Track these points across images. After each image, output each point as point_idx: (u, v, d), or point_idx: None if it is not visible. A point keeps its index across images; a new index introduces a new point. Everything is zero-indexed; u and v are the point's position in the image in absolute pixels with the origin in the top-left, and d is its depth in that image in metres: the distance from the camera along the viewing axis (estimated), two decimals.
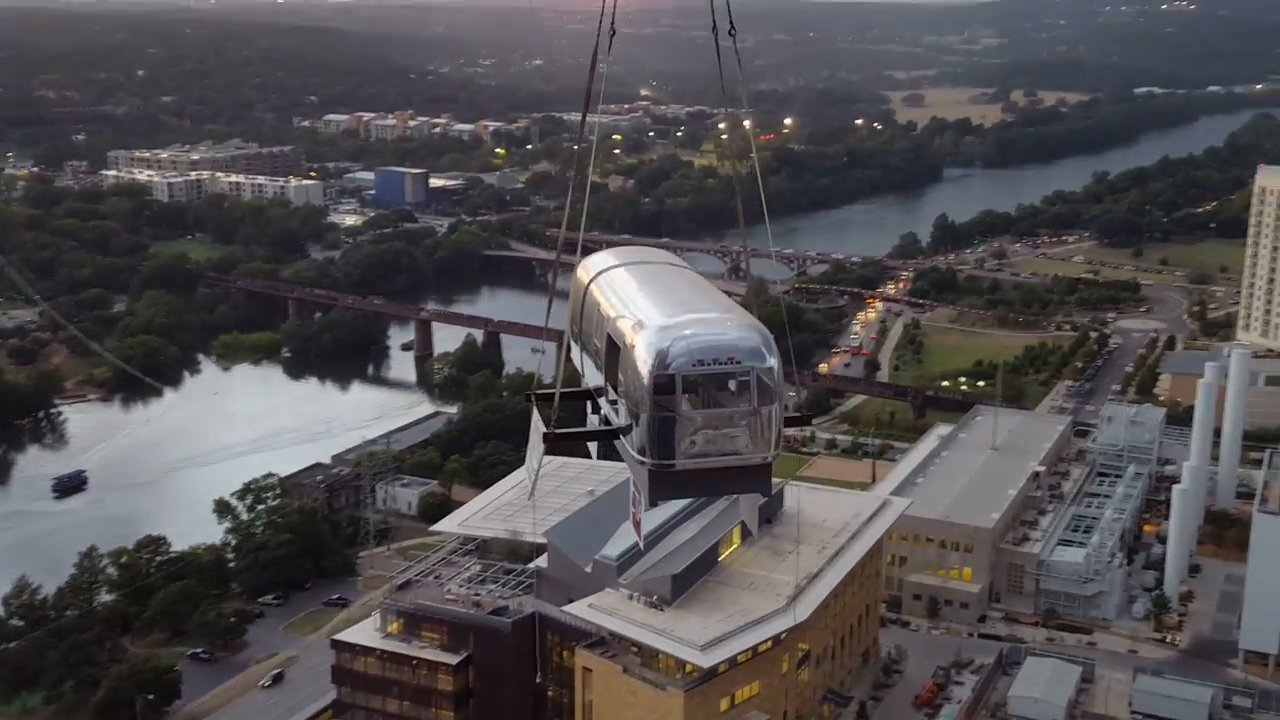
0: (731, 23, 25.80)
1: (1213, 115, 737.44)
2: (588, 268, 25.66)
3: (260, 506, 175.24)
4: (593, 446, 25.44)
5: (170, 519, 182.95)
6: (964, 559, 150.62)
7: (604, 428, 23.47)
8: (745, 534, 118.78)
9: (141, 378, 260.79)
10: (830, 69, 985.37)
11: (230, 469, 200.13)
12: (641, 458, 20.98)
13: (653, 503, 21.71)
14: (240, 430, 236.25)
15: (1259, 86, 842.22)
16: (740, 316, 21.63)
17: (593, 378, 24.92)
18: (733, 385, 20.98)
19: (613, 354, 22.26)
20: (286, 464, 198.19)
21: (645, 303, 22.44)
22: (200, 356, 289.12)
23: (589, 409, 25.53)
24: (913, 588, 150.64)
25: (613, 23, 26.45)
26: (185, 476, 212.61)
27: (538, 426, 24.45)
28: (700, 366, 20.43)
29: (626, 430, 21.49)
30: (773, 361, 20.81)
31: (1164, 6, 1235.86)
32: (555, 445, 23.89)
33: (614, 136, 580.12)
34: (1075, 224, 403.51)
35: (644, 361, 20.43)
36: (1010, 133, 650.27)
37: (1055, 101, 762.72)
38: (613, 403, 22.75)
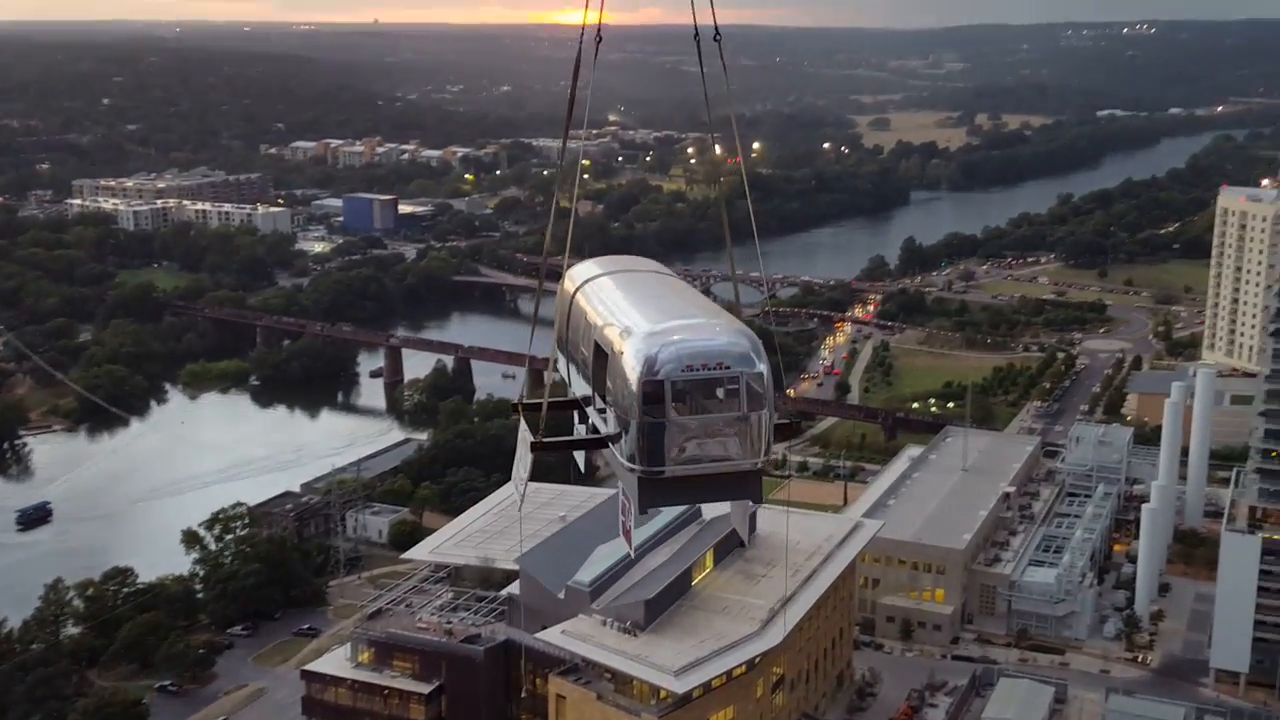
0: (716, 29, 25.53)
1: (1174, 137, 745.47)
2: (573, 277, 25.68)
3: (229, 536, 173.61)
4: (580, 458, 25.52)
5: (137, 550, 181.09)
6: (936, 580, 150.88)
7: (592, 436, 23.28)
8: (721, 557, 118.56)
9: (107, 408, 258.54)
10: (797, 94, 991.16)
11: (198, 499, 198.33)
12: (631, 465, 20.80)
13: (643, 510, 21.49)
14: (208, 459, 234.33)
15: (1219, 109, 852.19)
16: (729, 322, 21.52)
17: (580, 388, 24.72)
18: (722, 391, 20.76)
19: (600, 362, 22.11)
20: (255, 493, 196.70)
21: (632, 310, 22.32)
22: (167, 386, 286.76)
23: (576, 419, 25.29)
24: (886, 610, 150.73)
25: (598, 29, 25.90)
26: (153, 507, 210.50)
27: (525, 436, 24.34)
28: (690, 372, 20.33)
29: (615, 438, 21.32)
30: (762, 367, 20.72)
31: (1125, 31, 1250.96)
32: (544, 453, 23.74)
33: (583, 161, 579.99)
34: (1041, 246, 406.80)
35: (633, 368, 20.32)
36: (976, 156, 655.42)
37: (1019, 125, 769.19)
38: (601, 411, 22.56)
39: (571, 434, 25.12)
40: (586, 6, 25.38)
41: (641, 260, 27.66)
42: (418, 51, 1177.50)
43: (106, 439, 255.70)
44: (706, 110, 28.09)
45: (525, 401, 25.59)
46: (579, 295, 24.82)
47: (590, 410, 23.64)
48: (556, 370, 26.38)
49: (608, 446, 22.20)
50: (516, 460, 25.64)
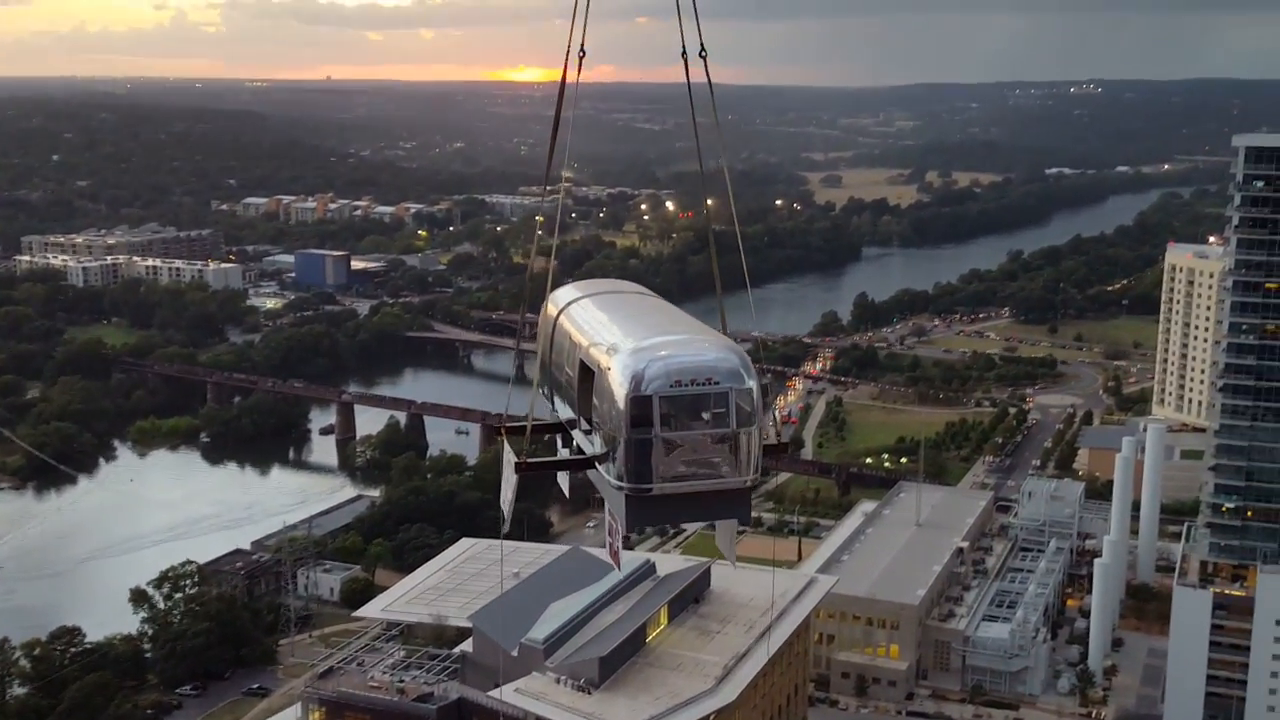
0: (702, 45, 25.36)
1: (1122, 195, 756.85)
2: (555, 300, 25.38)
3: (178, 595, 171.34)
4: (564, 481, 25.16)
5: (85, 609, 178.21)
6: (891, 636, 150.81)
7: (577, 456, 22.96)
8: (675, 613, 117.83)
9: (55, 465, 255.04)
10: (749, 151, 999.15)
11: (147, 557, 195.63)
12: (618, 482, 20.47)
13: (630, 530, 21.21)
14: (158, 517, 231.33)
15: (1166, 167, 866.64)
16: (717, 338, 21.26)
17: (564, 411, 24.34)
18: (710, 408, 20.42)
19: (586, 381, 21.80)
20: (205, 551, 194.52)
21: (618, 328, 22.05)
22: (116, 443, 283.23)
23: (559, 443, 25.06)
24: (841, 666, 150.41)
25: (582, 44, 25.74)
26: (100, 566, 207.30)
27: (509, 459, 23.89)
28: (678, 388, 20.05)
29: (602, 458, 20.96)
30: (751, 383, 20.51)
31: (1071, 90, 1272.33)
32: (528, 474, 23.45)
33: (537, 218, 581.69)
34: (992, 301, 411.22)
35: (620, 384, 20.04)
36: (926, 212, 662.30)
37: (969, 182, 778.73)
38: (587, 432, 22.23)
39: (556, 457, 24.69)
40: (571, 30, 25.47)
41: (624, 282, 27.33)
42: (371, 108, 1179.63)
43: (54, 497, 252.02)
44: (694, 129, 28.60)
45: (509, 425, 25.05)
46: (563, 317, 24.48)
47: (576, 433, 23.33)
48: (541, 392, 25.99)
49: (594, 467, 21.84)
50: (503, 483, 25.11)
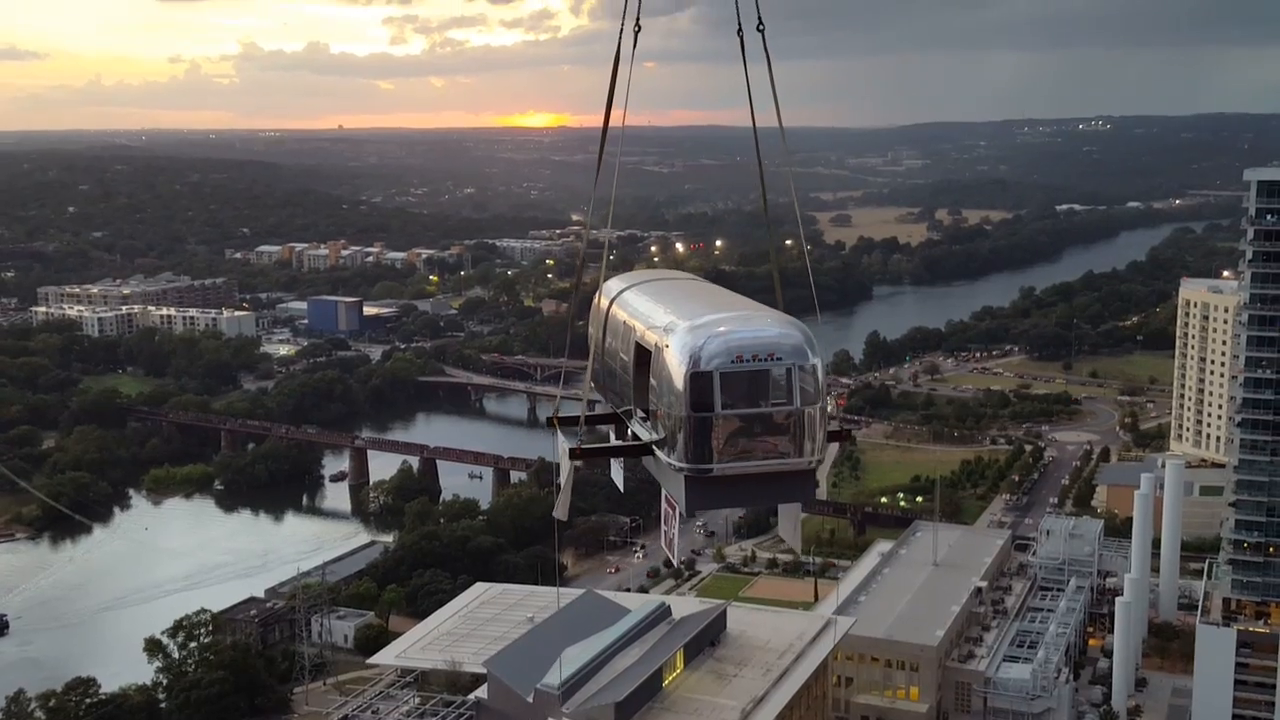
0: (760, 18, 24.15)
1: (1133, 230, 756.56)
2: (607, 291, 24.70)
3: (192, 644, 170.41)
4: (618, 475, 24.36)
5: (100, 660, 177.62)
6: (910, 678, 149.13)
7: (633, 443, 22.19)
8: (691, 657, 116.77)
9: (71, 515, 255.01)
10: (757, 192, 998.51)
11: (162, 606, 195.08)
12: (677, 463, 19.75)
13: (690, 513, 20.37)
14: (172, 566, 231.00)
15: (1177, 202, 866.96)
16: (778, 315, 20.55)
17: (618, 403, 23.74)
18: (773, 385, 19.73)
19: (642, 363, 21.09)
20: (220, 599, 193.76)
21: (675, 308, 21.29)
22: (131, 492, 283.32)
23: (613, 436, 24.50)
24: (859, 709, 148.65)
25: (638, 19, 24.35)
26: (115, 616, 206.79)
27: (563, 448, 23.25)
28: (739, 364, 19.31)
29: (659, 442, 20.28)
30: (815, 361, 19.77)
31: (1080, 127, 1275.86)
32: (583, 461, 22.85)
33: (547, 261, 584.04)
34: (1005, 339, 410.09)
35: (679, 361, 19.37)
36: (937, 250, 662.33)
37: (979, 220, 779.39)
38: (644, 419, 21.51)
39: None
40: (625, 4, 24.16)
41: (673, 271, 26.59)
42: (381, 156, 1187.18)
43: (69, 546, 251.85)
44: (753, 125, 27.18)
45: (561, 416, 24.28)
46: (616, 304, 23.79)
47: (632, 423, 22.57)
48: (593, 386, 25.22)
49: (650, 454, 21.15)
50: (557, 473, 24.38)
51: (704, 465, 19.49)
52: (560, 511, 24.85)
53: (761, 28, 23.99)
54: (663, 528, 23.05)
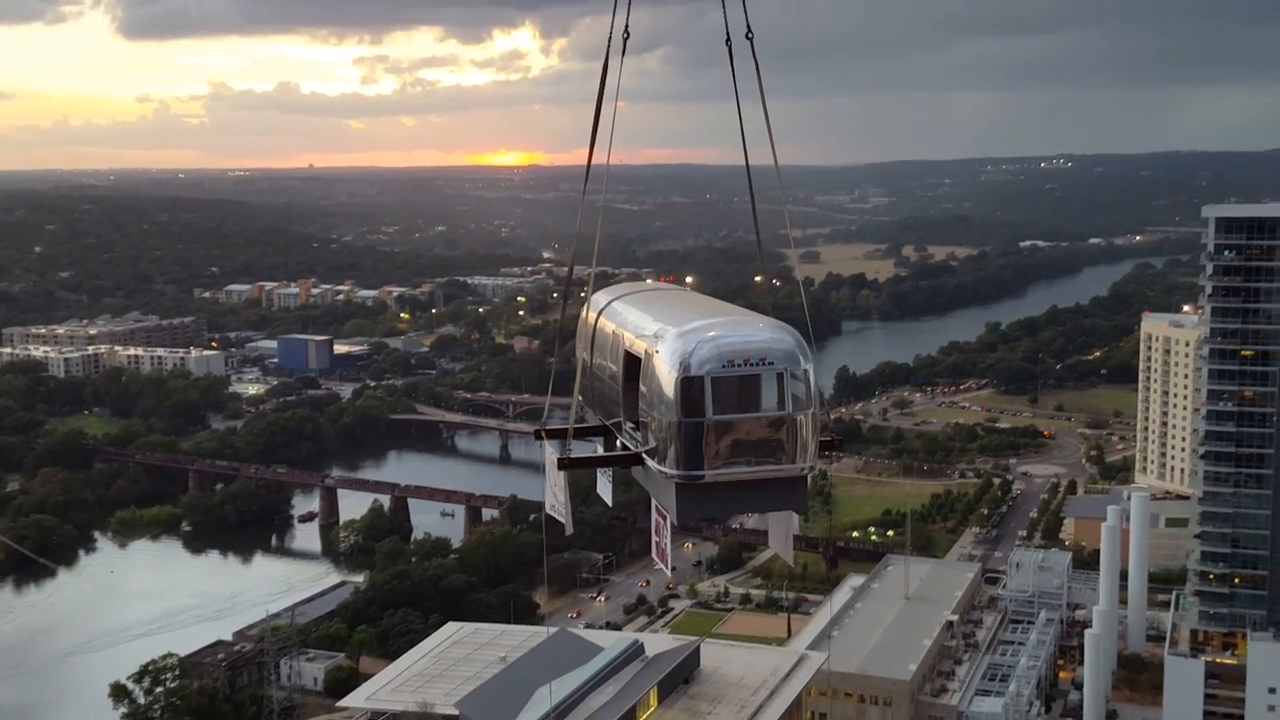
0: (749, 26, 23.73)
1: (1095, 266, 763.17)
2: (594, 304, 24.57)
3: (159, 689, 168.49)
4: (605, 489, 24.20)
5: (65, 706, 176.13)
6: (883, 713, 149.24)
7: (620, 452, 21.96)
8: (665, 695, 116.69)
9: (35, 558, 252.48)
10: (729, 229, 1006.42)
11: (128, 651, 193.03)
12: (668, 470, 19.48)
13: (681, 522, 20.04)
14: (138, 609, 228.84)
15: (1138, 238, 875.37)
16: (769, 320, 20.30)
17: (606, 417, 23.48)
18: (765, 390, 19.40)
19: (631, 373, 20.87)
20: (187, 643, 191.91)
21: (665, 315, 21.09)
22: (97, 534, 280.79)
23: (601, 449, 24.31)
24: None
25: (626, 26, 24.01)
26: (81, 661, 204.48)
27: (552, 459, 23.02)
28: (731, 368, 19.09)
29: (649, 451, 20.04)
30: (808, 366, 19.65)
31: (1043, 165, 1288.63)
32: (570, 470, 22.62)
33: (519, 298, 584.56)
34: (972, 373, 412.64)
35: (669, 366, 19.15)
36: (904, 286, 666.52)
37: (945, 256, 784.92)
38: (633, 430, 21.26)
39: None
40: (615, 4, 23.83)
41: (661, 282, 26.71)
42: (352, 194, 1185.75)
43: (33, 591, 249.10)
44: (750, 117, 25.59)
45: (548, 428, 23.91)
46: (604, 316, 23.61)
47: (622, 435, 22.34)
48: (580, 400, 24.90)
49: (639, 464, 20.94)
50: (548, 487, 24.10)
51: (695, 472, 19.30)
52: (564, 518, 24.61)
53: (750, 35, 23.69)
54: (654, 539, 22.70)
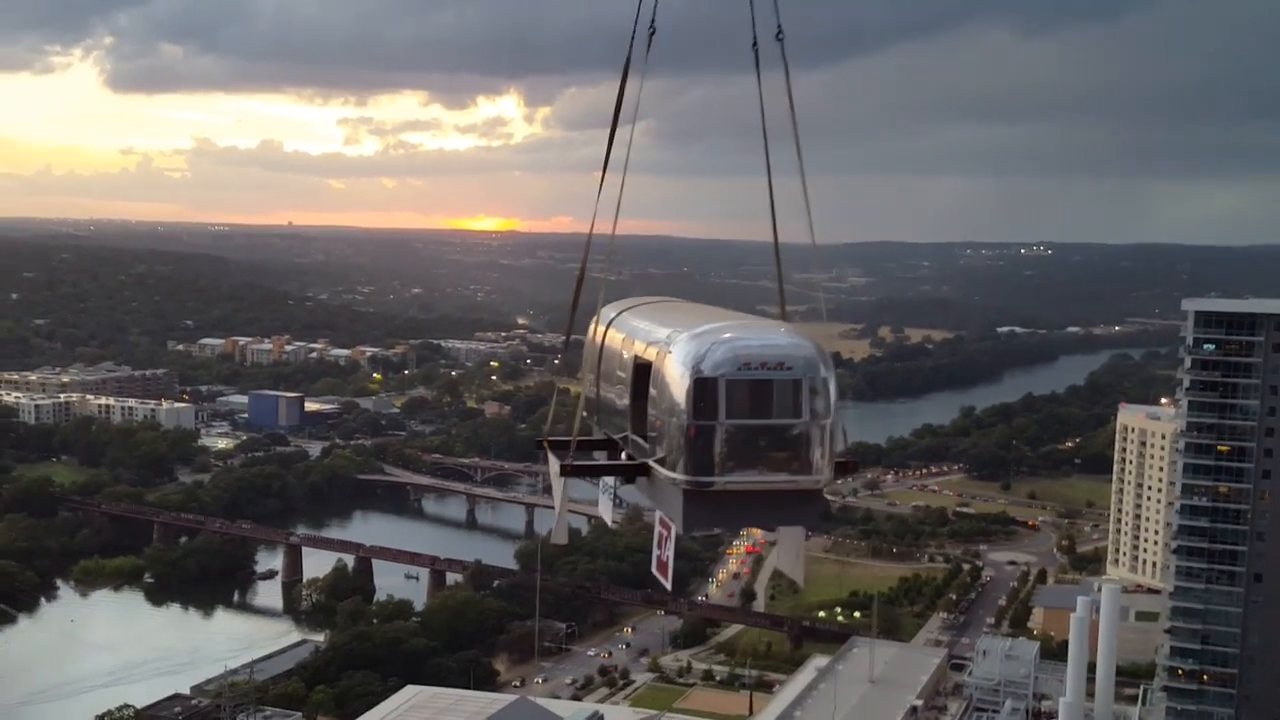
0: (779, 25, 22.71)
1: (1072, 355, 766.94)
2: (602, 317, 23.87)
3: None
4: (606, 508, 23.57)
5: None
6: None
7: (626, 462, 21.08)
8: None
9: None
10: (705, 303, 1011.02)
11: (84, 701, 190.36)
12: (676, 476, 18.66)
13: (687, 531, 19.28)
14: (97, 660, 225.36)
15: (1116, 328, 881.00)
16: (788, 326, 19.74)
17: (612, 431, 22.53)
18: (782, 397, 18.56)
19: (641, 380, 20.11)
20: (144, 696, 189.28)
21: (678, 321, 20.37)
22: (59, 582, 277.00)
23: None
24: None
25: (652, 21, 23.02)
26: (37, 710, 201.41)
27: (555, 468, 22.23)
28: (746, 371, 18.31)
29: (657, 460, 19.23)
30: (829, 375, 18.88)
31: (1022, 251, 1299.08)
32: (574, 477, 21.78)
33: (491, 363, 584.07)
34: (945, 457, 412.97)
35: (681, 368, 18.43)
36: (879, 367, 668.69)
37: (922, 338, 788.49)
38: (642, 440, 20.37)
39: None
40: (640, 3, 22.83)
41: (671, 298, 25.87)
42: (330, 253, 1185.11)
43: None
44: (764, 139, 24.63)
45: (552, 439, 23.08)
46: (613, 327, 22.98)
47: (628, 448, 21.51)
48: (583, 416, 23.90)
49: (645, 474, 20.12)
50: (554, 494, 23.48)
51: (705, 479, 18.51)
52: (559, 536, 23.80)
53: (781, 36, 22.66)
54: (655, 552, 21.84)
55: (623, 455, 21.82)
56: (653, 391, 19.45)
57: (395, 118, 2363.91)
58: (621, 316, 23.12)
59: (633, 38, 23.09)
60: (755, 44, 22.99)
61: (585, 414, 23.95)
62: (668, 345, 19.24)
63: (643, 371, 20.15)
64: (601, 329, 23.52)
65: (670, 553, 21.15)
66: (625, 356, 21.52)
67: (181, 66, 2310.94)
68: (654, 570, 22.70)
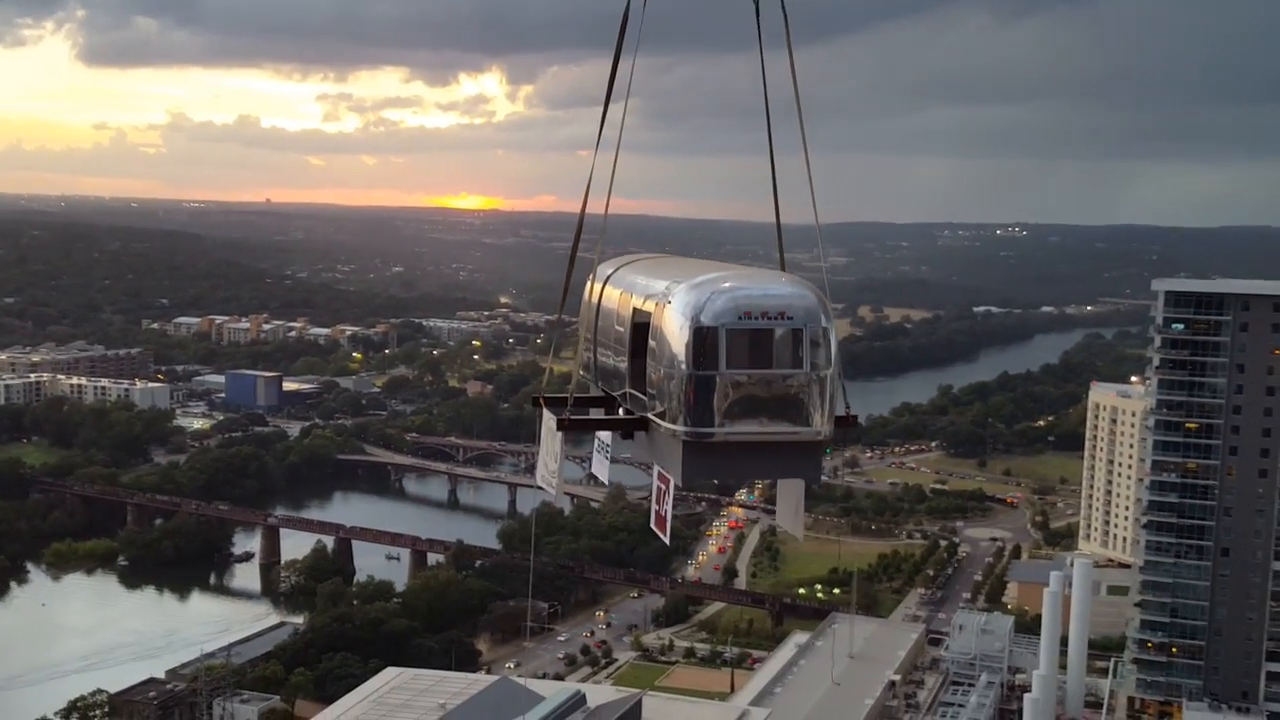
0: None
1: (1047, 334, 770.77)
2: (599, 274, 23.44)
3: None
4: (601, 469, 23.01)
5: None
6: None
7: (623, 416, 20.75)
8: None
9: None
10: None
11: (57, 687, 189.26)
12: (674, 427, 18.33)
13: (686, 484, 19.01)
14: (70, 645, 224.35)
15: (1089, 308, 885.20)
16: (788, 275, 19.43)
17: (610, 388, 22.18)
18: (782, 347, 18.35)
19: (640, 335, 19.80)
20: (119, 680, 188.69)
21: (678, 273, 19.92)
22: (30, 565, 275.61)
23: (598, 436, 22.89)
24: None
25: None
26: (6, 697, 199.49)
27: (550, 424, 21.74)
28: (747, 320, 18.08)
29: (659, 413, 18.86)
30: (830, 325, 18.85)
31: (998, 232, 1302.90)
32: (571, 432, 21.38)
33: (474, 342, 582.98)
34: (923, 434, 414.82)
35: (680, 317, 18.17)
36: (859, 346, 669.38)
37: (900, 318, 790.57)
38: (639, 396, 20.12)
39: (594, 453, 22.47)
40: None
41: (670, 254, 25.46)
42: (309, 231, 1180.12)
43: None
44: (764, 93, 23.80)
45: (547, 395, 22.58)
46: (609, 284, 22.55)
47: (625, 405, 21.24)
48: (583, 374, 23.59)
49: (643, 429, 19.88)
50: (542, 453, 22.72)
51: (704, 429, 18.24)
52: (553, 488, 22.84)
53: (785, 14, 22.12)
54: (653, 508, 21.53)
55: (620, 412, 21.51)
56: (652, 343, 19.21)
57: (376, 94, 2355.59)
58: (618, 272, 22.70)
59: (625, 13, 22.35)
60: (758, 10, 22.48)
61: (582, 373, 23.65)
62: (667, 296, 18.96)
63: (641, 324, 19.92)
64: (598, 286, 23.13)
65: (669, 507, 20.89)
66: (623, 311, 21.21)
67: (156, 40, 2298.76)
68: (652, 525, 22.49)
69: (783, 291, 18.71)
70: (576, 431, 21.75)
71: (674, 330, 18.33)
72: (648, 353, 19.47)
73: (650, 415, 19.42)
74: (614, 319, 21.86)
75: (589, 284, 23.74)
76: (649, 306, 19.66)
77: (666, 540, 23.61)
